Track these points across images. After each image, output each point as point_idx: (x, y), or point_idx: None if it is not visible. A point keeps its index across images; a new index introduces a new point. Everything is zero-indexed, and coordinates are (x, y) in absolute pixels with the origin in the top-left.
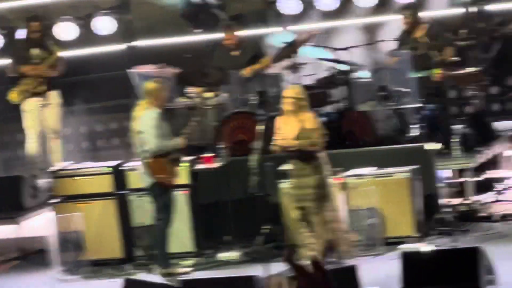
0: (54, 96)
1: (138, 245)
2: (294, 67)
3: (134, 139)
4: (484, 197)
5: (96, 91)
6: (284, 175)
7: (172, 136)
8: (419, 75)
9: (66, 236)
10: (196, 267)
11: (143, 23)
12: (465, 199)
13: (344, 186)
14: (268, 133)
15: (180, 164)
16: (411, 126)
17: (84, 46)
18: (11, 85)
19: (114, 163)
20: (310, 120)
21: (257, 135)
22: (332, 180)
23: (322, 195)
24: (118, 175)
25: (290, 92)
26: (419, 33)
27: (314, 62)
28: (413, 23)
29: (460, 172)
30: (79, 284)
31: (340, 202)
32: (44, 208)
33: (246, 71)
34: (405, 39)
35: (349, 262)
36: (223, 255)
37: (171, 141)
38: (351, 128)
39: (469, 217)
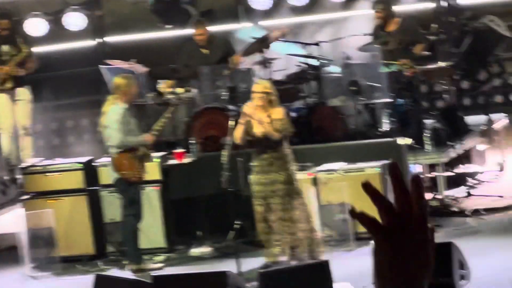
0: (24, 92)
1: (109, 241)
2: (265, 62)
3: (103, 135)
4: (456, 192)
5: (67, 87)
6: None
7: (140, 132)
8: (390, 69)
9: (36, 232)
10: (168, 262)
11: (114, 19)
12: (436, 194)
13: (315, 181)
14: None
15: (147, 160)
16: (382, 121)
17: (55, 42)
18: None
19: (85, 159)
20: (278, 113)
21: (228, 131)
22: (298, 176)
23: (288, 191)
24: (89, 171)
25: (260, 86)
26: (391, 27)
27: (285, 57)
28: (386, 17)
29: (432, 167)
30: (50, 281)
31: (310, 198)
32: (14, 204)
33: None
34: (377, 33)
35: (320, 258)
36: (195, 251)
37: (136, 137)
38: (321, 123)
39: (441, 212)
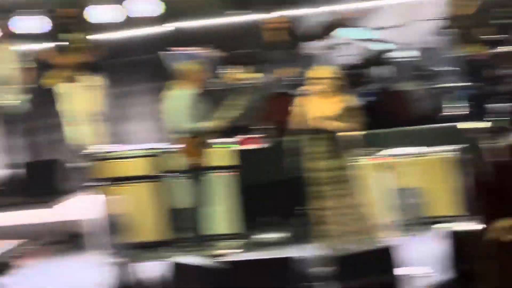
0: (95, 79)
1: (180, 227)
2: (333, 48)
3: (169, 120)
4: None
5: (137, 73)
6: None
7: (208, 119)
8: (461, 53)
9: (105, 219)
10: (242, 248)
11: (185, 4)
12: None
13: (385, 166)
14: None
15: (214, 147)
16: (452, 105)
17: (124, 28)
18: (47, 69)
19: (154, 145)
20: (349, 101)
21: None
22: (368, 161)
23: (343, 178)
24: (159, 157)
25: (325, 72)
26: (465, 10)
27: (354, 42)
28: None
29: None
30: (120, 268)
31: (379, 183)
32: (85, 191)
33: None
34: (448, 17)
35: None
36: (268, 236)
37: (203, 123)
38: (391, 107)
39: None
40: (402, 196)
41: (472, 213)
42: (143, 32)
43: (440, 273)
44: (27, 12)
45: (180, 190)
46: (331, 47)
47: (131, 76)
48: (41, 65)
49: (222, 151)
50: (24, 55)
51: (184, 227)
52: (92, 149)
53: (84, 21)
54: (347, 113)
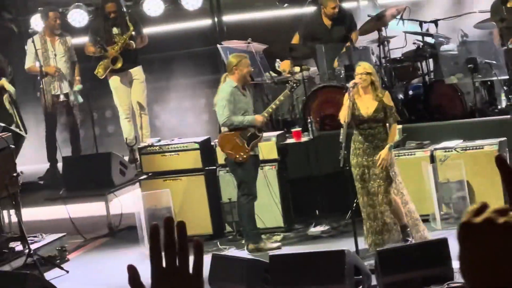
0: (139, 72)
1: (227, 221)
2: (382, 41)
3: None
4: None
5: (184, 67)
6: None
7: (252, 112)
8: (508, 46)
9: (154, 212)
10: (286, 242)
11: None
12: None
13: (433, 159)
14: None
15: (258, 141)
16: (499, 98)
17: (172, 22)
18: (97, 61)
19: (201, 138)
20: (387, 97)
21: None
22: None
23: (383, 176)
24: (206, 150)
25: (361, 68)
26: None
27: (402, 35)
28: None
29: None
30: None
31: (428, 176)
32: (133, 185)
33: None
34: (496, 10)
35: (438, 235)
36: (312, 230)
37: (244, 117)
38: (438, 101)
39: None
40: (449, 189)
41: None
42: (190, 25)
43: None
44: (79, 6)
45: (228, 183)
46: (381, 40)
47: (182, 69)
48: (94, 58)
49: (268, 144)
50: (76, 48)
51: (231, 220)
52: (142, 142)
53: (125, 15)
54: (387, 109)
